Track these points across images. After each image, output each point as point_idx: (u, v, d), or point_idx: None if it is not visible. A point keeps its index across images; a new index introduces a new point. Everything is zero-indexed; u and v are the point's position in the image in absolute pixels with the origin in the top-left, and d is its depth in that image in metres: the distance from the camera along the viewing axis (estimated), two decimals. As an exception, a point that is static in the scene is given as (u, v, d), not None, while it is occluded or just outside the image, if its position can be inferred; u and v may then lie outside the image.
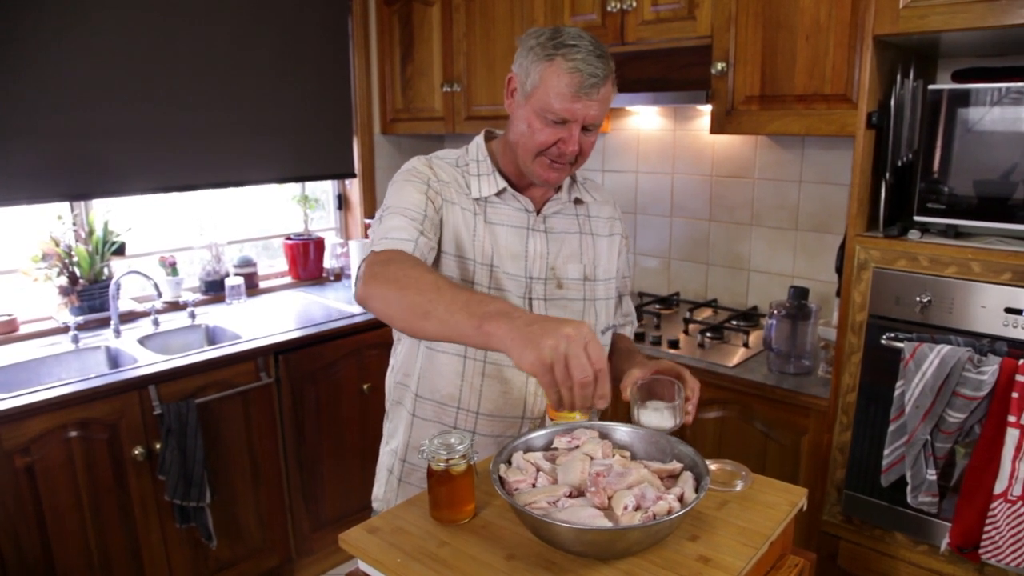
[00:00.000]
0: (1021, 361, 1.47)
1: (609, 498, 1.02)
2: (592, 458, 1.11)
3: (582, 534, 0.95)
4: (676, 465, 1.11)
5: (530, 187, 1.42)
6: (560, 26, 1.31)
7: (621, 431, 1.20)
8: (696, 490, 1.04)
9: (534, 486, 1.08)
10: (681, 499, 1.02)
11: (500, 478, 1.08)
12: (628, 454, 1.16)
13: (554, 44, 1.26)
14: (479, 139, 1.45)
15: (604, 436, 1.19)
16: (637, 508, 0.99)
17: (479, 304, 1.02)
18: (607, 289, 1.50)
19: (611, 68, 1.29)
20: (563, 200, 1.45)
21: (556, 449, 1.17)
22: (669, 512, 0.98)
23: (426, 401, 1.43)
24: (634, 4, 2.31)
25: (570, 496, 1.05)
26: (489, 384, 1.39)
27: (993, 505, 1.53)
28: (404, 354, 1.47)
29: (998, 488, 1.51)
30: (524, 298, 1.39)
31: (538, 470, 1.11)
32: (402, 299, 1.09)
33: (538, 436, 1.19)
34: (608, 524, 0.96)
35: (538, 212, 1.42)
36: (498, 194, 1.39)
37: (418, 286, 1.08)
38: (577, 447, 1.15)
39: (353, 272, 1.25)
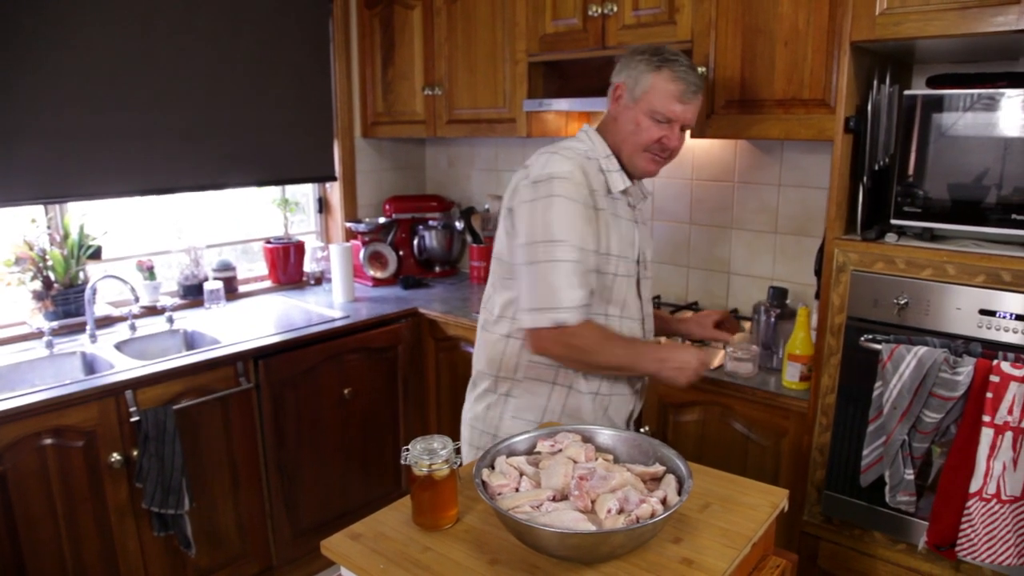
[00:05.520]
0: (995, 362, 1.50)
1: (592, 501, 1.02)
2: (575, 462, 1.11)
3: (565, 538, 0.95)
4: (659, 468, 1.11)
5: None
6: (658, 45, 1.60)
7: (604, 435, 1.20)
8: (679, 492, 1.04)
9: (517, 490, 1.08)
10: (664, 502, 1.03)
11: (483, 482, 1.07)
12: (611, 457, 1.17)
13: (659, 58, 1.54)
14: (597, 136, 1.63)
15: (587, 440, 1.19)
16: (620, 511, 0.99)
17: (643, 355, 1.55)
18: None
19: (703, 80, 1.60)
20: (644, 193, 1.71)
21: (539, 453, 1.17)
22: (652, 515, 0.98)
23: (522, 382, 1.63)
24: (615, 8, 2.32)
25: (553, 500, 1.05)
26: None
27: (969, 503, 1.55)
28: (507, 348, 1.65)
29: (973, 487, 1.53)
30: (632, 277, 1.64)
31: (521, 474, 1.11)
32: (601, 366, 1.55)
33: (520, 440, 1.19)
34: (592, 528, 0.96)
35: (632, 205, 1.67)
36: (624, 190, 1.61)
37: (607, 359, 1.52)
38: (560, 451, 1.15)
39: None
